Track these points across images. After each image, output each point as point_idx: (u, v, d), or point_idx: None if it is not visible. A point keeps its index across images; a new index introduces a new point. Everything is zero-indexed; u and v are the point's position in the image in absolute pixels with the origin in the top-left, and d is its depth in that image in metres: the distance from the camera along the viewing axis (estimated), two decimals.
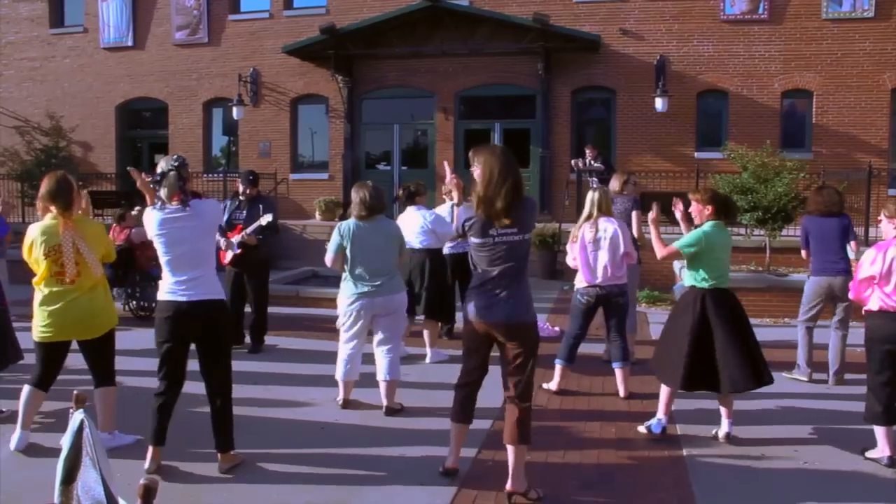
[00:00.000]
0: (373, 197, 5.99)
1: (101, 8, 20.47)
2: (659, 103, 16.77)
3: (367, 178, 18.41)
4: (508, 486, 4.38)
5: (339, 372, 6.20)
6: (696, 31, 17.30)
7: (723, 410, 5.50)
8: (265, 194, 8.66)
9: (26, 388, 5.10)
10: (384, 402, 6.08)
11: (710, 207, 5.54)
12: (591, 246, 6.42)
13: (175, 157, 4.71)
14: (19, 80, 21.25)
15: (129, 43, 20.45)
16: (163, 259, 4.67)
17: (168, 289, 4.65)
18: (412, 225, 7.60)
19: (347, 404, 6.21)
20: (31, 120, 20.33)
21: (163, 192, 4.58)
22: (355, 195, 6.04)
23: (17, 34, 21.28)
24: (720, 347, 5.28)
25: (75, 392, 2.31)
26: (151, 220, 4.64)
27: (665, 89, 16.81)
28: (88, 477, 2.06)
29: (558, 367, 6.67)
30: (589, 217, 6.51)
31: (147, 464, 4.63)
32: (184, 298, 4.59)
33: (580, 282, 6.58)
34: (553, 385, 6.68)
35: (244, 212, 8.03)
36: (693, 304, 5.41)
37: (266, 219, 7.82)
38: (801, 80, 16.99)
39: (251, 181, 8.17)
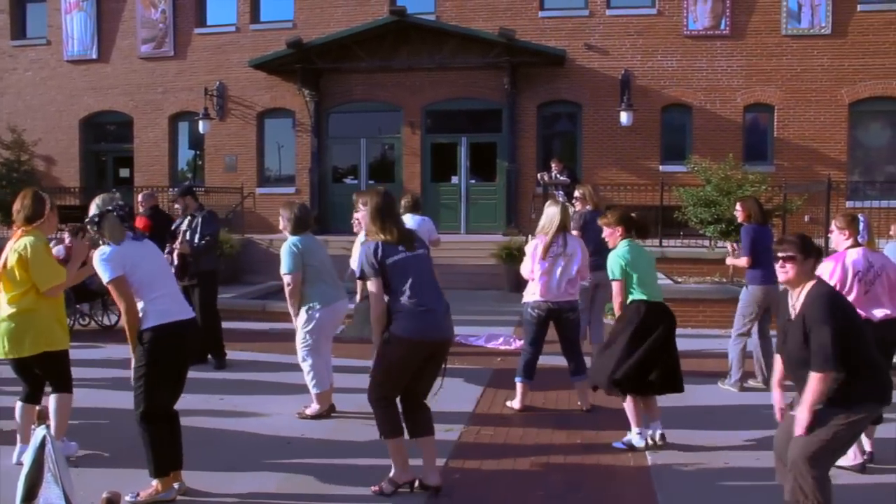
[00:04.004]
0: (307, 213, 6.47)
1: (64, 20, 20.24)
2: (624, 117, 16.99)
3: (333, 192, 18.50)
4: (436, 480, 4.65)
5: (324, 382, 6.27)
6: (660, 47, 17.56)
7: (635, 416, 5.59)
8: (209, 207, 8.70)
9: (18, 404, 5.15)
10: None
11: (619, 228, 5.71)
12: (553, 260, 6.34)
13: (110, 198, 4.57)
14: None
15: (94, 56, 20.23)
16: (135, 284, 4.43)
17: (157, 309, 4.45)
18: None
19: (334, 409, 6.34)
20: None
21: (106, 236, 4.43)
22: (290, 212, 6.34)
23: None
24: (657, 352, 5.44)
25: (37, 408, 2.29)
26: (113, 253, 4.41)
27: (630, 103, 17.03)
28: (51, 493, 2.04)
29: (519, 385, 6.58)
30: (558, 231, 6.39)
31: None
32: (184, 317, 4.56)
33: (531, 296, 6.48)
34: (516, 403, 6.59)
35: (184, 223, 8.11)
36: (635, 316, 5.51)
37: (186, 221, 8.04)
38: (762, 94, 17.31)
39: (175, 195, 8.43)
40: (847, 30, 16.91)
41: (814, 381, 3.68)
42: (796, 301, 3.89)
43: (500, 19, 17.66)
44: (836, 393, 3.71)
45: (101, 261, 4.38)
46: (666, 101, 17.67)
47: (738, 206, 7.72)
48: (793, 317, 3.88)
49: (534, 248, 6.47)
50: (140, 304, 4.45)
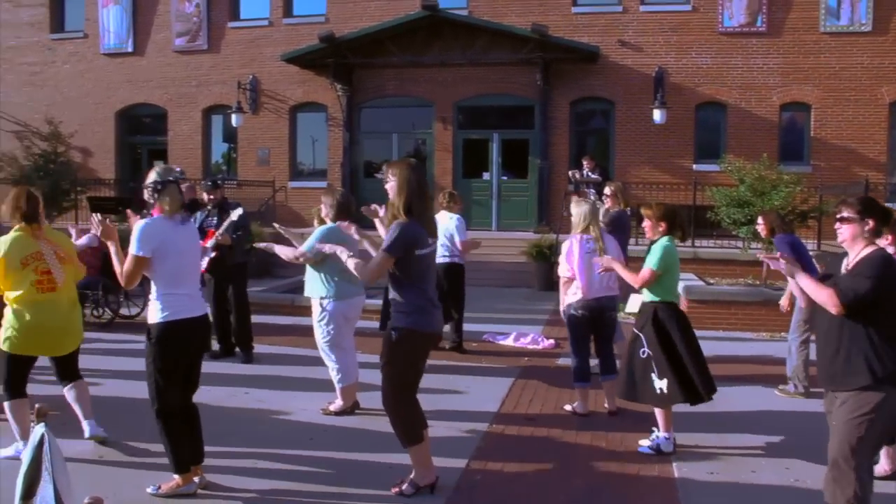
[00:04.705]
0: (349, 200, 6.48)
1: (101, 14, 20.50)
2: (657, 115, 16.79)
3: (365, 186, 18.49)
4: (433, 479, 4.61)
5: (350, 376, 6.22)
6: (695, 44, 17.34)
7: (665, 421, 5.47)
8: (232, 200, 8.72)
9: (7, 404, 5.05)
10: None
11: (663, 224, 5.58)
12: (589, 257, 6.20)
13: (174, 167, 4.61)
14: (19, 85, 21.24)
15: (129, 49, 20.48)
16: (161, 272, 4.37)
17: (174, 305, 4.40)
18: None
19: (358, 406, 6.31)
20: (30, 125, 20.30)
21: (165, 204, 4.38)
22: (332, 199, 6.32)
23: (17, 39, 21.27)
24: (686, 358, 5.34)
25: (37, 406, 2.28)
26: (154, 230, 4.36)
27: (664, 101, 16.83)
28: (47, 492, 2.03)
29: (579, 391, 6.43)
30: (588, 229, 6.34)
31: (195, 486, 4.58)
32: (198, 314, 4.53)
33: (573, 296, 6.36)
34: (580, 407, 6.40)
35: (214, 218, 8.07)
36: (671, 320, 5.42)
37: (236, 213, 7.89)
38: (799, 93, 17.01)
39: (209, 187, 8.33)
40: (889, 27, 16.55)
41: (828, 290, 3.66)
42: (850, 263, 3.79)
43: (532, 15, 17.54)
44: (862, 365, 3.64)
45: (139, 230, 4.30)
46: (700, 99, 17.45)
47: (759, 220, 7.57)
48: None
49: (569, 248, 6.37)
50: (154, 294, 4.42)
